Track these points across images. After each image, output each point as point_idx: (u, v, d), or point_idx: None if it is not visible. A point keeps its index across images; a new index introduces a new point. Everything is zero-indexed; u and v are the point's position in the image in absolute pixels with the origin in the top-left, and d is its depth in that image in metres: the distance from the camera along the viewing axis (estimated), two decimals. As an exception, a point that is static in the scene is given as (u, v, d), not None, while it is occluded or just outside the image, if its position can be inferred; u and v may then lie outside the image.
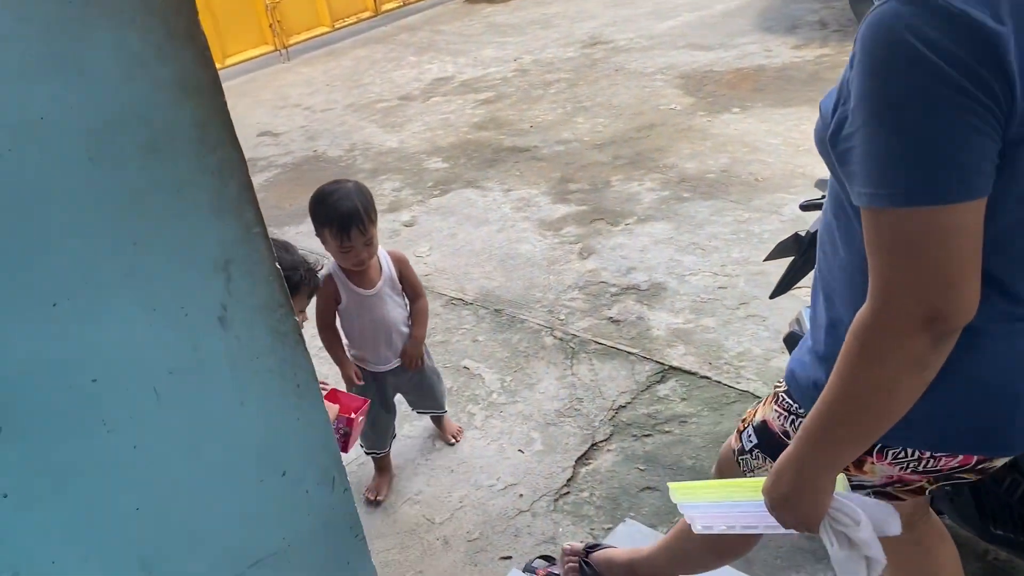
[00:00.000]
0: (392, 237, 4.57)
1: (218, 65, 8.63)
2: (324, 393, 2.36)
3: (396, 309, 2.59)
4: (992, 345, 1.10)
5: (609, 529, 2.43)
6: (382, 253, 2.57)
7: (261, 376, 1.29)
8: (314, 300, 2.41)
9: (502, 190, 4.92)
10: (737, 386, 2.93)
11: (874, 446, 1.20)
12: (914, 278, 0.97)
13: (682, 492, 1.47)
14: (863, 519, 1.17)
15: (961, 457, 1.19)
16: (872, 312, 1.01)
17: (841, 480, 1.22)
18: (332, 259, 2.51)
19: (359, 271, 2.48)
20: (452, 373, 3.27)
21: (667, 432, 2.78)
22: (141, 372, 1.15)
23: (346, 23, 9.93)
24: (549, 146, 5.43)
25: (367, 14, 10.15)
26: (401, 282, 2.61)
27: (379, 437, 2.69)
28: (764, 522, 1.30)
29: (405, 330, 2.62)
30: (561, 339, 3.37)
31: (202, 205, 1.17)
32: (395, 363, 2.62)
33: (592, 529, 2.46)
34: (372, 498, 2.68)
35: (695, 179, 4.57)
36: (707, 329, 3.27)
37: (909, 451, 1.21)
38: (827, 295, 1.26)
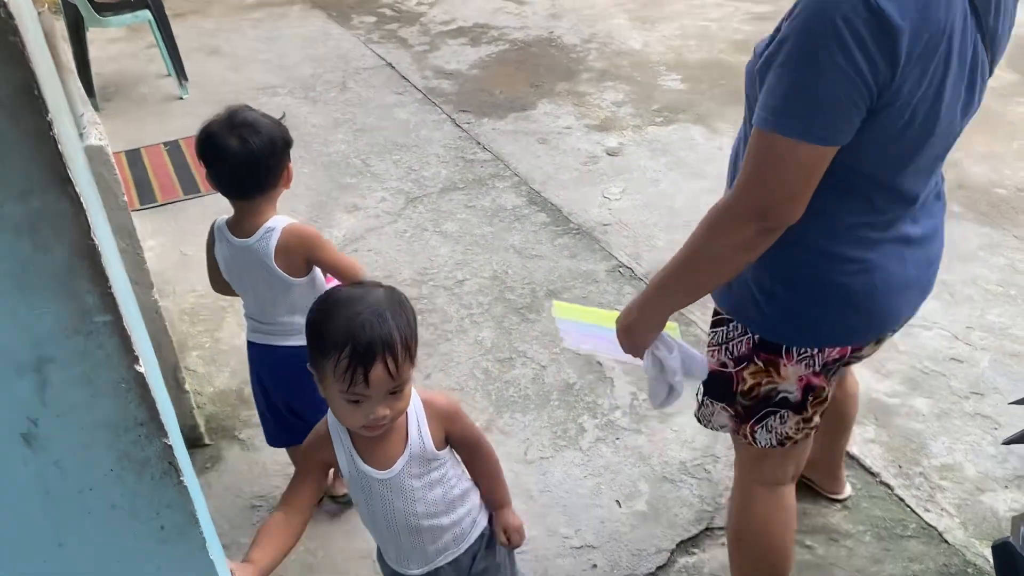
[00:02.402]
0: (588, 164, 3.98)
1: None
2: None
3: (428, 495, 1.49)
4: (877, 263, 1.41)
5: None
6: (414, 401, 1.47)
7: (98, 514, 0.87)
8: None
9: (734, 137, 4.12)
10: (923, 514, 2.20)
11: (783, 349, 1.49)
12: (764, 185, 1.25)
13: (562, 310, 1.73)
14: (676, 353, 1.52)
15: (838, 349, 1.49)
16: (728, 199, 1.30)
17: (675, 328, 1.55)
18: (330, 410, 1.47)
19: (370, 436, 1.42)
20: (581, 365, 2.75)
21: (808, 547, 2.13)
22: None
23: None
24: (810, 94, 4.49)
25: None
26: (448, 441, 1.53)
27: None
28: (612, 348, 1.57)
29: (446, 521, 1.52)
30: (725, 364, 2.72)
31: (-5, 278, 0.72)
32: (440, 562, 1.56)
33: (662, 646, 1.94)
34: None
35: (979, 190, 3.55)
36: (915, 414, 2.49)
37: (807, 349, 1.48)
38: None
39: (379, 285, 1.40)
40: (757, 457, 1.66)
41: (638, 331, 1.49)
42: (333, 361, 1.31)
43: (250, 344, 2.08)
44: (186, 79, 5.01)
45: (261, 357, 2.06)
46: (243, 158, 1.82)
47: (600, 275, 3.18)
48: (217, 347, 2.95)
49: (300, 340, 1.66)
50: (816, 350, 1.48)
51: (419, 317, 2.96)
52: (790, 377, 1.52)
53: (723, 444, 2.44)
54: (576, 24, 5.72)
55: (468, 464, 1.60)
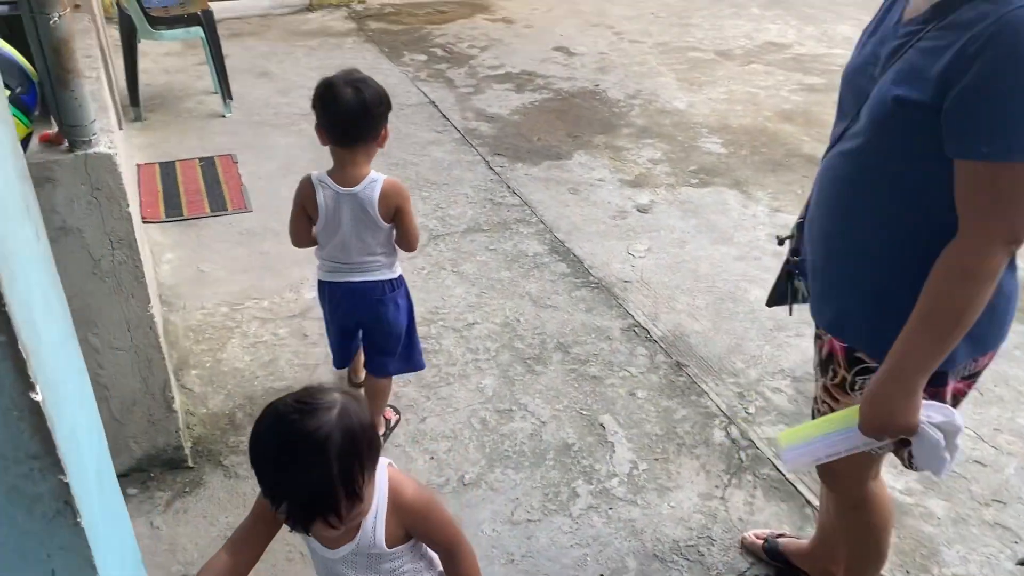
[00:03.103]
0: (616, 218, 3.90)
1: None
2: None
3: None
4: (1012, 266, 1.46)
5: None
6: (380, 487, 1.38)
7: (-18, 551, 0.79)
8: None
9: (769, 207, 4.03)
10: (930, 628, 2.04)
11: (948, 374, 1.51)
12: (1008, 214, 1.29)
13: (789, 437, 1.59)
14: (953, 410, 1.46)
15: (990, 353, 1.55)
16: (970, 241, 1.32)
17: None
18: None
19: None
20: (582, 425, 2.64)
21: (798, 648, 1.99)
22: None
23: (706, -50, 8.94)
24: (853, 170, 4.38)
25: (733, -54, 9.07)
26: (410, 536, 1.45)
27: None
28: (847, 446, 1.53)
29: None
30: (734, 441, 2.60)
31: None
32: None
33: None
34: None
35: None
36: (929, 516, 2.34)
37: (966, 362, 1.52)
38: (865, 256, 1.52)
39: (332, 404, 1.24)
40: (876, 461, 1.75)
41: (904, 410, 1.41)
42: (273, 507, 1.25)
43: (328, 284, 2.41)
44: (231, 98, 5.06)
45: (340, 293, 2.39)
46: (355, 106, 2.14)
47: (614, 332, 3.09)
48: (218, 367, 2.90)
49: (376, 276, 2.35)
50: (973, 360, 1.53)
51: (423, 357, 2.91)
52: (947, 395, 1.55)
53: (720, 527, 2.31)
54: (623, 79, 5.69)
55: (442, 561, 1.50)
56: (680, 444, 2.58)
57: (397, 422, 2.65)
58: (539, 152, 4.59)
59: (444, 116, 5.09)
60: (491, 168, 4.39)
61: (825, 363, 1.68)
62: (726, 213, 3.97)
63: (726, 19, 7.12)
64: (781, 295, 1.88)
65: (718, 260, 3.58)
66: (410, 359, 2.53)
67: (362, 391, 2.61)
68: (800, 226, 1.78)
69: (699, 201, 4.08)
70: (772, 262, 3.49)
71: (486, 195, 4.10)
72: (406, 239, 2.35)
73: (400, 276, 2.44)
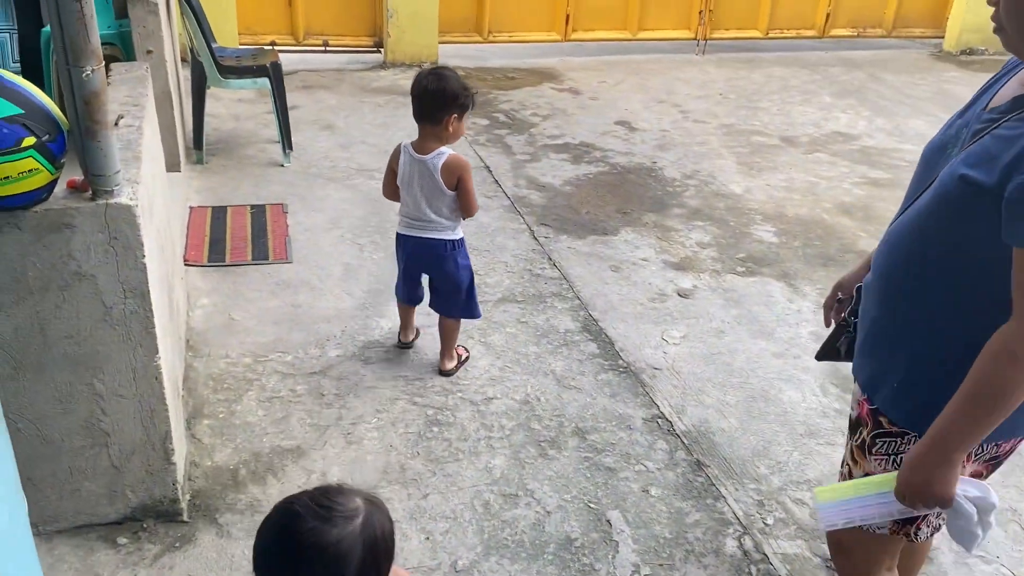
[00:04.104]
0: (655, 300, 3.81)
1: (629, 35, 8.30)
2: None
3: None
4: None
5: None
6: None
7: None
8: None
9: (815, 303, 3.88)
10: None
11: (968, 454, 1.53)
12: None
13: (826, 494, 1.64)
14: (989, 487, 1.51)
15: (1012, 440, 1.60)
16: (1021, 327, 1.34)
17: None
18: None
19: None
20: (588, 520, 2.53)
21: None
22: None
23: (782, 35, 8.94)
24: (910, 271, 4.21)
25: (810, 33, 9.06)
26: None
27: None
28: (882, 511, 1.58)
29: None
30: (746, 553, 2.45)
31: None
32: None
33: None
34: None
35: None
36: (953, 662, 2.15)
37: (987, 446, 1.58)
38: (906, 323, 1.57)
39: (355, 512, 1.19)
40: (890, 551, 1.75)
41: (942, 481, 1.47)
42: None
43: (403, 236, 3.05)
44: (291, 148, 5.17)
45: (412, 246, 3.03)
46: (421, 92, 2.81)
47: (636, 422, 2.97)
48: (230, 419, 2.89)
49: (440, 235, 2.98)
50: (995, 444, 1.59)
51: (436, 429, 2.85)
52: (964, 473, 1.56)
53: (721, 647, 2.16)
54: (681, 158, 5.64)
55: None
56: (688, 551, 2.44)
57: (467, 358, 3.26)
58: (586, 226, 4.55)
59: (496, 181, 5.10)
60: (535, 238, 4.36)
61: (855, 424, 1.73)
62: (770, 306, 3.84)
63: (796, 105, 7.04)
64: (831, 350, 1.93)
65: (755, 355, 3.44)
66: (468, 309, 3.17)
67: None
68: (859, 289, 1.82)
69: (743, 291, 3.96)
70: (811, 363, 3.34)
71: (526, 265, 4.07)
72: (465, 205, 2.93)
73: (462, 239, 3.03)
